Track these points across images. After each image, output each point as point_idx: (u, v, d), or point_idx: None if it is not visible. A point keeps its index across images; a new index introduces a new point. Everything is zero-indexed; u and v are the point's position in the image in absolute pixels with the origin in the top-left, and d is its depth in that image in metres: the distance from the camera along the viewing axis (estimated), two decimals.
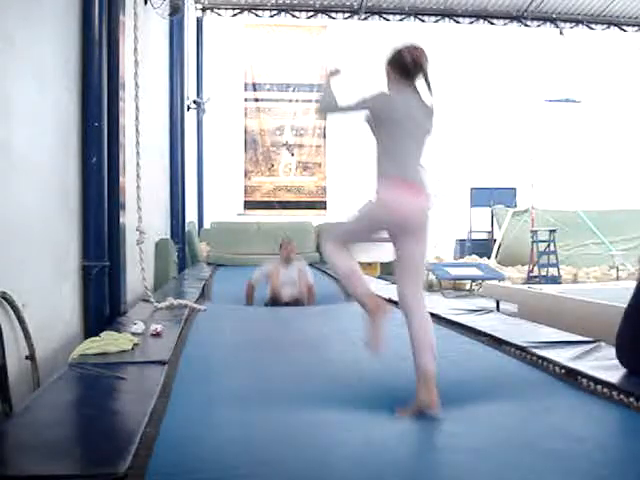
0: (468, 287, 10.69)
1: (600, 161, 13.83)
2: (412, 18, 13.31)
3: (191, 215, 10.76)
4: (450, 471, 1.74)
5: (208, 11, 13.25)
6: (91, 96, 4.17)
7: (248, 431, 2.03)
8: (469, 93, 13.47)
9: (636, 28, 13.98)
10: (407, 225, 2.49)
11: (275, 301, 5.73)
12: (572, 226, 12.62)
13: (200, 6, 13.08)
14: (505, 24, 13.73)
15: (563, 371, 2.74)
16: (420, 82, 2.65)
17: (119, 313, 4.40)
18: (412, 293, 2.52)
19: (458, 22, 13.57)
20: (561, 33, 13.72)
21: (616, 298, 5.28)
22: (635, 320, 2.61)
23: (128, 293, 4.76)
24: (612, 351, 2.98)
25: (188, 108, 10.14)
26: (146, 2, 6.58)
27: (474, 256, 12.60)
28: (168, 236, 8.39)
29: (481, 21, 13.66)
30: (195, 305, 4.90)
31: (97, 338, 3.20)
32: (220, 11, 13.27)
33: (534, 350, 3.05)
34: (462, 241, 13.75)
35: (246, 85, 13.51)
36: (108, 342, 3.10)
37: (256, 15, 13.35)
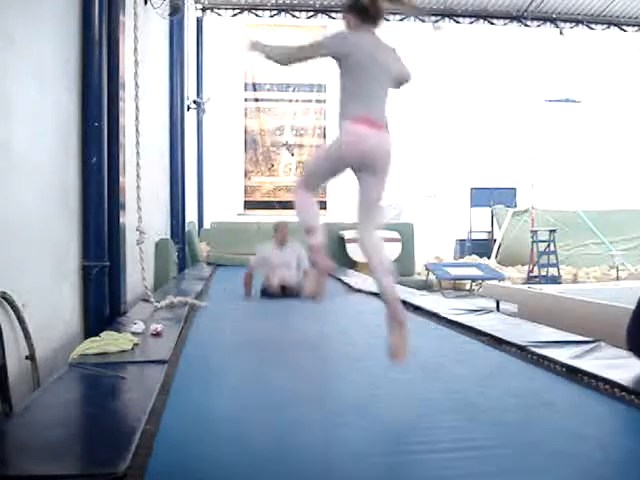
0: (468, 287, 10.68)
1: (600, 161, 13.83)
2: (412, 18, 13.31)
3: (191, 215, 10.77)
4: (450, 471, 1.74)
5: (208, 11, 13.25)
6: (91, 96, 4.17)
7: (248, 430, 2.03)
8: (469, 93, 13.49)
9: (636, 28, 13.99)
10: (367, 158, 2.61)
11: (270, 286, 5.72)
12: (572, 226, 12.63)
13: (200, 6, 13.09)
14: (505, 24, 13.74)
15: (564, 369, 2.74)
16: (380, 29, 2.75)
17: (119, 313, 4.40)
18: (367, 238, 2.73)
19: (458, 22, 13.57)
20: (561, 33, 13.73)
21: (616, 298, 5.29)
22: None
23: (128, 293, 4.76)
24: (612, 351, 2.99)
25: (188, 108, 10.15)
26: (146, 2, 6.58)
27: (474, 256, 12.60)
28: (168, 236, 8.40)
29: (481, 21, 13.66)
30: (196, 302, 4.91)
31: (97, 338, 3.20)
32: (220, 11, 13.28)
33: (534, 349, 3.05)
34: (462, 241, 13.75)
35: (246, 85, 13.51)
36: (108, 342, 3.10)
37: (256, 15, 13.35)
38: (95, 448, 1.81)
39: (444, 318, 4.22)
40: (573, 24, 13.78)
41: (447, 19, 13.44)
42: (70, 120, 4.01)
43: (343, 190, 12.72)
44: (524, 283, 10.02)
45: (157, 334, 3.51)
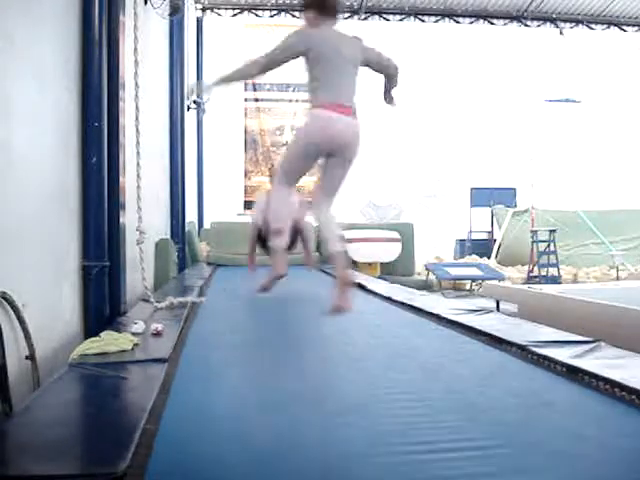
0: (468, 287, 10.69)
1: (600, 161, 13.84)
2: (412, 18, 13.30)
3: (191, 215, 10.76)
4: (450, 471, 1.74)
5: (208, 11, 13.26)
6: (91, 96, 4.17)
7: (248, 429, 2.03)
8: (469, 93, 13.48)
9: (636, 28, 13.99)
10: (336, 142, 2.72)
11: (266, 236, 5.16)
12: (572, 226, 12.63)
13: (200, 6, 13.09)
14: (505, 24, 13.74)
15: (564, 369, 2.74)
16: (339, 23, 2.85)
17: (119, 313, 4.40)
18: (324, 214, 3.02)
19: (458, 22, 13.57)
20: (561, 33, 13.73)
21: (616, 298, 5.29)
22: None
23: (128, 293, 4.76)
24: (612, 351, 2.99)
25: (188, 108, 10.14)
26: (146, 2, 6.58)
27: (474, 256, 12.61)
28: (168, 236, 8.39)
29: (481, 21, 13.66)
30: (195, 299, 4.94)
31: (97, 338, 3.20)
32: (220, 11, 13.28)
33: (534, 349, 3.05)
34: (462, 241, 13.76)
35: (246, 85, 13.50)
36: (108, 342, 3.10)
37: (256, 15, 13.36)
38: (95, 448, 1.81)
39: (444, 318, 4.21)
40: (573, 24, 13.78)
41: (447, 19, 13.45)
42: (70, 120, 4.01)
43: (342, 190, 12.73)
44: (524, 283, 10.02)
45: (157, 334, 3.51)
